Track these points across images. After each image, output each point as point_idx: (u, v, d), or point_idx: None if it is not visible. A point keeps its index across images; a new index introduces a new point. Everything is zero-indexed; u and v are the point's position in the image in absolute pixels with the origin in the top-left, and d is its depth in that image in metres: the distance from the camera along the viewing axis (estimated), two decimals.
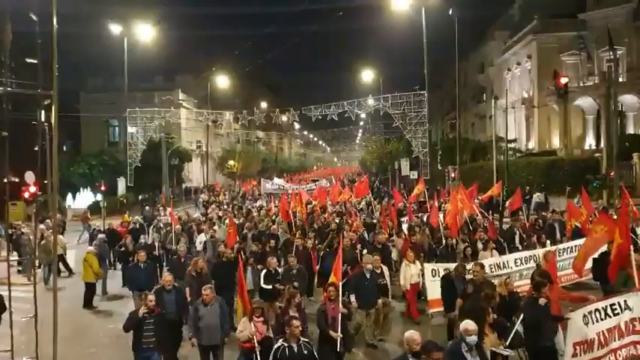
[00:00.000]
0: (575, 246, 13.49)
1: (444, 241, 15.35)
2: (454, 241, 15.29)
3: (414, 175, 40.24)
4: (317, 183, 33.19)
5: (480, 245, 14.64)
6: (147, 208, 30.59)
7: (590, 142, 46.15)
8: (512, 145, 46.72)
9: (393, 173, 50.07)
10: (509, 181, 32.44)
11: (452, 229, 16.23)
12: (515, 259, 13.13)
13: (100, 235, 18.70)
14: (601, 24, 40.93)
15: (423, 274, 12.77)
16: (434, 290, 11.94)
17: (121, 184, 43.98)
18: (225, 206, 30.58)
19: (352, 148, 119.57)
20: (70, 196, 41.35)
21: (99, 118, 53.92)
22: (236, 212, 25.95)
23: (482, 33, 63.56)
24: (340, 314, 9.42)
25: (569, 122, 45.70)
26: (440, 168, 44.51)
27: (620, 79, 39.68)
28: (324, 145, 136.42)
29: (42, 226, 20.67)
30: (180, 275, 12.69)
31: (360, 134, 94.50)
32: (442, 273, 11.98)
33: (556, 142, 48.02)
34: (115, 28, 41.74)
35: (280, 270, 13.15)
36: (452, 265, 12.23)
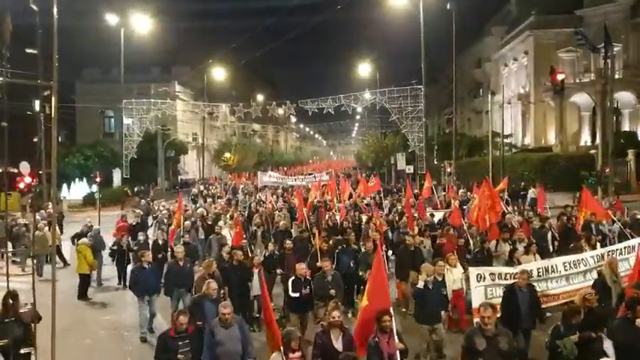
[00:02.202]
0: (626, 247, 12.34)
1: (471, 242, 14.11)
2: (494, 242, 13.72)
3: (409, 169, 40.28)
4: (316, 176, 32.32)
5: (520, 248, 13.08)
6: (142, 201, 29.27)
7: (585, 138, 46.32)
8: (508, 140, 46.83)
9: (389, 168, 50.11)
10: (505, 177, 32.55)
11: (491, 230, 14.76)
12: (564, 263, 11.98)
13: (95, 227, 18.62)
14: (598, 20, 40.94)
15: (466, 279, 11.58)
16: (479, 297, 10.88)
17: (117, 176, 43.88)
18: (221, 200, 29.29)
19: (348, 142, 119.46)
20: (64, 187, 41.24)
21: (95, 109, 53.73)
22: (238, 208, 24.37)
23: (480, 28, 63.62)
24: (398, 351, 7.41)
25: (565, 118, 45.86)
26: (436, 163, 44.56)
27: (617, 76, 39.78)
28: (320, 138, 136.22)
29: (37, 216, 20.60)
30: (180, 282, 11.79)
31: (356, 128, 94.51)
32: (488, 278, 11.06)
33: (552, 138, 48.16)
34: (112, 19, 41.55)
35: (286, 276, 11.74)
36: (497, 269, 11.42)
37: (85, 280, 15.47)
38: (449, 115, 59.63)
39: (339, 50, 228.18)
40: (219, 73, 56.80)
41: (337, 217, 19.47)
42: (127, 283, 15.39)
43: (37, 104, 37.84)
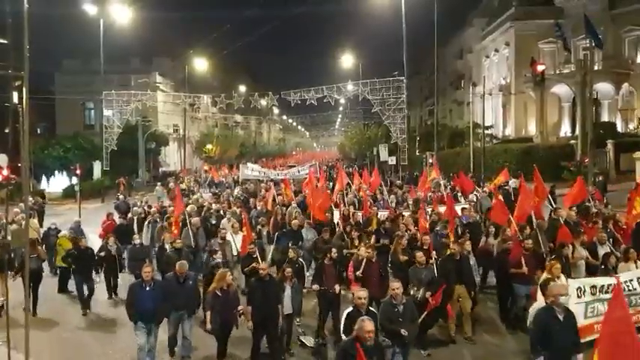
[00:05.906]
0: None
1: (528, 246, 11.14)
2: (571, 247, 11.35)
3: (392, 160, 40.41)
4: (299, 170, 31.59)
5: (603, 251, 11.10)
6: (120, 196, 26.67)
7: (565, 129, 46.85)
8: (489, 131, 47.16)
9: (371, 159, 50.29)
10: (485, 168, 32.84)
11: (563, 230, 12.14)
12: None
13: (76, 219, 18.41)
14: (577, 12, 41.32)
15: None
16: (578, 316, 8.90)
17: (97, 168, 43.44)
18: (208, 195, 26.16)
19: (331, 134, 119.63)
20: (44, 179, 40.74)
21: (75, 100, 53.04)
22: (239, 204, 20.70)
23: (462, 19, 63.88)
24: None
25: (545, 109, 46.35)
26: (418, 154, 44.80)
27: (596, 67, 40.21)
28: (303, 130, 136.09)
29: (16, 209, 20.31)
30: (179, 302, 9.66)
31: (339, 119, 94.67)
32: (588, 292, 9.36)
33: (532, 128, 48.62)
34: (91, 9, 40.94)
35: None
36: (595, 281, 9.59)
37: (65, 274, 15.29)
38: (431, 107, 59.89)
39: (321, 41, 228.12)
40: (200, 64, 56.31)
41: (359, 215, 16.66)
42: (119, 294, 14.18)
43: (15, 96, 37.36)
